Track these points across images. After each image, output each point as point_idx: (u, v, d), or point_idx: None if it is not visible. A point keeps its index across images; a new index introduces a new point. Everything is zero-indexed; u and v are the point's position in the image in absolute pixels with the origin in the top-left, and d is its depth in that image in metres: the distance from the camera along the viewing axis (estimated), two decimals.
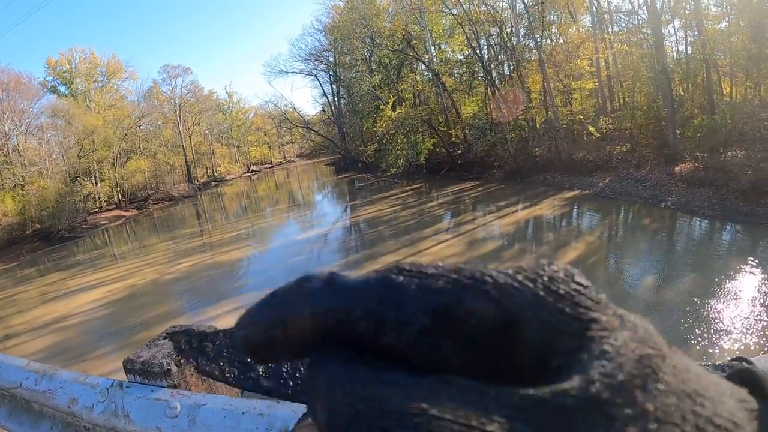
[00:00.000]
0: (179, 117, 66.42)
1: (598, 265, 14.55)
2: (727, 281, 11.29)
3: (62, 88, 57.29)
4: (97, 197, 49.42)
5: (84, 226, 41.62)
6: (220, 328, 0.79)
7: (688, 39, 28.70)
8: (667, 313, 10.18)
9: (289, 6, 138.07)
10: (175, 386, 2.30)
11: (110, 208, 50.48)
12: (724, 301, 10.29)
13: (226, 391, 2.54)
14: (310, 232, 25.38)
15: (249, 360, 0.70)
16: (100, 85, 60.46)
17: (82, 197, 45.08)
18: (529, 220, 21.05)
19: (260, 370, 0.72)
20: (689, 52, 28.44)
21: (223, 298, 15.59)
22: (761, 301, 10.21)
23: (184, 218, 42.78)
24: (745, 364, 0.70)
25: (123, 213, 48.98)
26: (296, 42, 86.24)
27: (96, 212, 47.89)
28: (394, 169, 36.70)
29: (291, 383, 0.70)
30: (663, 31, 27.21)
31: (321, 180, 56.51)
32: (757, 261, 12.34)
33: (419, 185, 34.37)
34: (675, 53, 30.11)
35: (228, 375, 0.74)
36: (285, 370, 0.71)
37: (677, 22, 29.14)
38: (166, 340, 2.86)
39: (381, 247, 19.17)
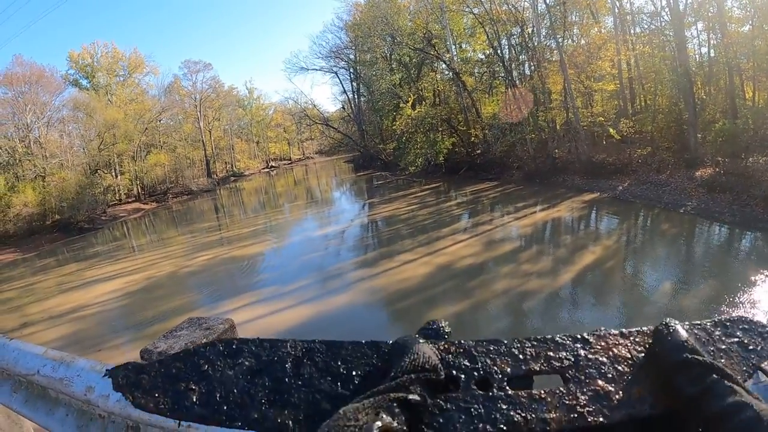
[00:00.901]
0: (199, 112, 66.96)
1: (615, 270, 14.51)
2: (746, 289, 11.19)
3: (84, 82, 58.08)
4: (116, 190, 50.00)
5: (103, 217, 42.22)
6: (156, 359, 0.82)
7: (711, 42, 28.36)
8: (683, 320, 10.12)
9: (311, 3, 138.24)
10: None
11: (129, 200, 51.13)
12: (742, 310, 10.22)
13: None
14: (327, 229, 25.54)
15: (185, 387, 0.77)
16: (122, 79, 61.17)
17: (102, 189, 45.69)
18: (547, 222, 21.01)
19: (194, 398, 0.76)
20: (712, 55, 28.14)
21: (240, 293, 15.75)
22: None
23: (203, 212, 43.19)
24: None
25: (142, 206, 49.57)
26: (317, 39, 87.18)
27: (115, 204, 48.52)
28: (413, 168, 36.75)
29: (225, 408, 0.75)
30: (686, 33, 26.98)
31: (339, 177, 56.71)
32: None
33: (438, 184, 34.42)
34: (697, 56, 29.82)
35: (162, 406, 0.77)
36: (218, 395, 0.76)
37: (700, 25, 28.87)
38: (184, 331, 2.89)
39: (398, 245, 19.20)
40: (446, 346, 0.76)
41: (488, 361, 0.74)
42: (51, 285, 21.50)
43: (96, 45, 59.35)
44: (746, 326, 0.82)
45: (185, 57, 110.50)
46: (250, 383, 0.76)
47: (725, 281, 11.93)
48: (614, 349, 0.77)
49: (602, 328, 0.81)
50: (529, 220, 21.56)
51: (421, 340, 0.75)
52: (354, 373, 0.76)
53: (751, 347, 0.79)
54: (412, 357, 0.68)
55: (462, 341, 0.77)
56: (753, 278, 11.87)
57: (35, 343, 3.09)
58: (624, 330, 0.80)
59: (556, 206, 23.22)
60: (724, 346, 0.79)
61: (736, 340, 0.80)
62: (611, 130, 27.92)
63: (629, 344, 0.78)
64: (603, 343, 0.78)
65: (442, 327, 0.83)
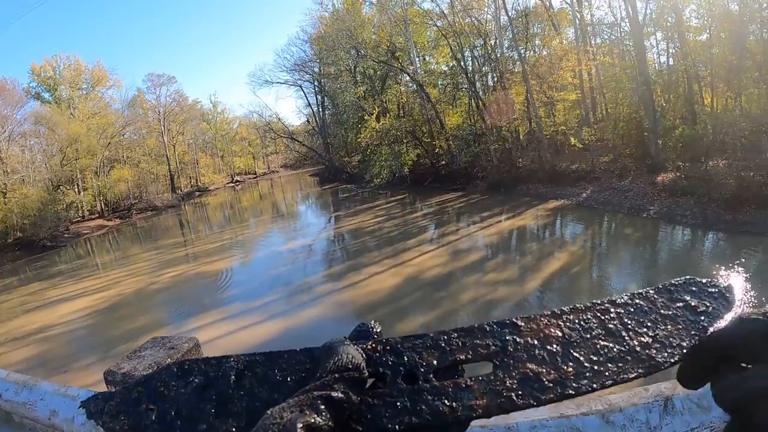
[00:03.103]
0: (163, 126, 66.17)
1: (581, 275, 14.55)
2: None
3: (46, 95, 56.90)
4: (79, 206, 48.77)
5: (66, 235, 41.07)
6: (122, 387, 0.83)
7: (670, 50, 29.13)
8: None
9: (276, 17, 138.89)
10: None
11: (93, 217, 49.92)
12: None
13: None
14: (294, 243, 25.21)
15: (144, 408, 0.79)
16: (85, 92, 59.99)
17: (65, 206, 44.35)
18: (513, 231, 21.04)
19: (153, 417, 0.78)
20: (671, 63, 28.89)
21: (207, 309, 15.34)
22: (743, 308, 10.21)
23: (168, 228, 42.42)
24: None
25: (106, 222, 48.46)
26: (281, 52, 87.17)
27: (78, 221, 47.27)
28: (378, 180, 36.68)
29: (178, 422, 0.76)
30: (645, 42, 27.53)
31: (305, 191, 56.40)
32: (738, 267, 12.45)
33: (403, 196, 34.37)
34: (657, 65, 30.54)
35: (126, 428, 0.79)
36: (173, 412, 0.77)
37: (659, 34, 29.65)
38: (148, 351, 2.82)
39: (365, 257, 19.04)
40: (373, 345, 0.76)
41: (414, 355, 0.74)
42: (14, 305, 20.73)
43: (59, 57, 58.29)
44: (694, 288, 0.76)
45: (149, 70, 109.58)
46: (199, 399, 0.78)
47: None
48: (546, 330, 0.74)
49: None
50: (494, 229, 21.57)
51: (347, 342, 0.75)
52: (289, 379, 0.77)
53: (700, 309, 0.74)
54: (335, 358, 0.70)
55: (389, 339, 0.77)
56: (716, 276, 11.98)
57: None
58: (557, 309, 0.75)
59: (521, 215, 23.31)
60: (669, 312, 0.74)
61: (682, 304, 0.75)
62: (573, 138, 28.30)
63: (562, 323, 0.74)
64: (533, 326, 0.74)
65: (372, 327, 0.84)
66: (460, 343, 0.74)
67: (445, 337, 0.75)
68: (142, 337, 10.86)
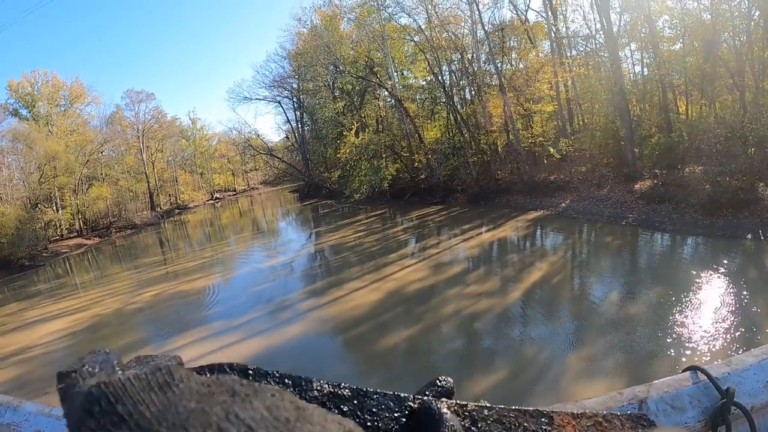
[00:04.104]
0: (142, 143, 65.70)
1: (563, 284, 14.51)
2: (690, 292, 11.36)
3: (24, 112, 56.23)
4: (58, 224, 48.03)
5: (44, 254, 40.26)
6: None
7: (645, 60, 29.55)
8: (632, 327, 10.15)
9: (254, 32, 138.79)
10: None
11: (71, 235, 49.14)
12: (687, 312, 10.29)
13: None
14: (274, 260, 24.95)
15: None
16: (63, 109, 59.35)
17: (43, 224, 43.64)
18: (493, 242, 21.02)
19: None
20: (646, 73, 29.35)
21: (189, 328, 15.09)
22: (722, 309, 10.28)
23: (147, 246, 41.92)
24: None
25: (85, 241, 47.70)
26: (260, 68, 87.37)
27: (57, 240, 46.48)
28: (358, 195, 36.58)
29: None
30: (620, 53, 27.92)
31: (285, 207, 56.19)
32: (717, 270, 12.55)
33: (383, 211, 34.34)
34: (632, 75, 31.03)
35: None
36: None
37: (633, 45, 30.18)
38: (131, 370, 2.71)
39: (346, 273, 18.88)
40: (474, 411, 0.73)
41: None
42: None
43: (37, 73, 57.65)
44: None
45: (128, 86, 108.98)
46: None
47: (669, 285, 12.03)
48: None
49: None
50: (475, 241, 21.55)
51: (444, 409, 0.70)
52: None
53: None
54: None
55: (491, 406, 0.73)
56: (696, 280, 12.19)
57: None
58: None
59: (501, 226, 23.34)
60: None
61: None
62: (551, 149, 28.48)
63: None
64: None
65: (452, 386, 0.80)
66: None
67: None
68: (124, 357, 10.66)
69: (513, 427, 0.71)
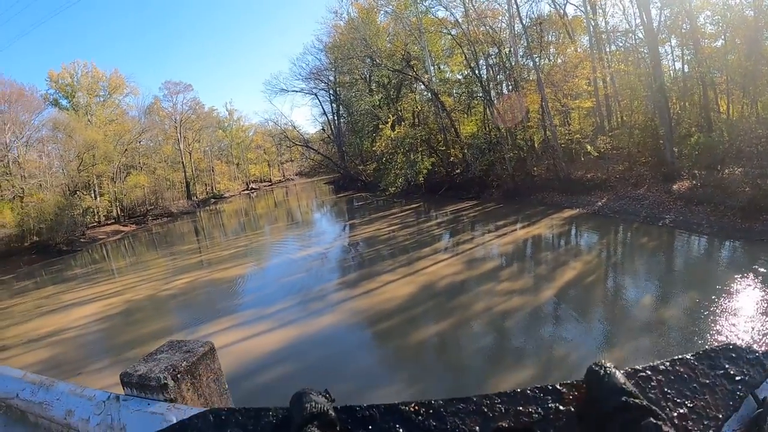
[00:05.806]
0: (179, 133, 66.74)
1: (596, 285, 14.49)
2: (727, 298, 11.25)
3: (64, 102, 57.86)
4: (95, 211, 49.47)
5: (82, 239, 41.60)
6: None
7: (685, 57, 28.93)
8: (665, 331, 10.15)
9: (291, 25, 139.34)
10: (171, 400, 2.28)
11: (109, 222, 50.54)
12: (723, 318, 10.23)
13: (223, 406, 2.52)
14: (308, 251, 25.26)
15: None
16: (102, 99, 60.86)
17: (81, 211, 45.09)
18: (528, 240, 21.01)
19: None
20: (686, 70, 28.69)
21: (221, 315, 15.47)
22: (758, 316, 10.19)
23: (183, 235, 42.77)
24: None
25: (121, 228, 48.98)
26: (297, 61, 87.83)
27: (94, 226, 47.93)
28: (393, 189, 36.66)
29: None
30: (660, 49, 27.45)
31: (320, 198, 56.57)
32: (756, 277, 12.36)
33: (418, 204, 34.44)
34: (672, 72, 30.41)
35: None
36: None
37: (674, 41, 29.55)
38: (164, 354, 2.89)
39: (379, 266, 19.06)
40: (416, 407, 0.74)
41: (457, 421, 0.73)
42: (29, 308, 21.06)
43: (76, 65, 59.26)
44: (733, 354, 0.79)
45: (165, 78, 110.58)
46: None
47: (705, 291, 11.90)
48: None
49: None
50: (509, 237, 21.56)
51: (313, 391, 0.81)
52: None
53: (738, 377, 0.76)
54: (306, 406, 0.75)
55: (431, 401, 0.75)
56: (733, 286, 11.98)
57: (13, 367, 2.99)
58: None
59: (535, 223, 23.28)
60: (708, 381, 0.76)
61: (722, 371, 0.77)
62: (589, 147, 28.19)
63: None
64: (575, 393, 0.76)
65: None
66: (502, 410, 0.75)
67: (488, 402, 0.76)
68: (155, 342, 11.02)
69: None
